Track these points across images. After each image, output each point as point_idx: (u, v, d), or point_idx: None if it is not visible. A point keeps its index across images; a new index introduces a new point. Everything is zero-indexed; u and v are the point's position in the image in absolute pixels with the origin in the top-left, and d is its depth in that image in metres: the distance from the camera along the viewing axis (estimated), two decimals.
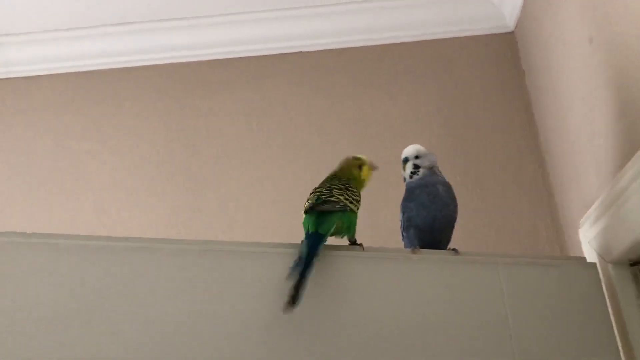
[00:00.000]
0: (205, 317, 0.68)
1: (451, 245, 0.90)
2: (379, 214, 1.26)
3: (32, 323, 0.62)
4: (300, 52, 1.42)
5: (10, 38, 1.40)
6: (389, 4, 1.38)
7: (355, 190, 0.84)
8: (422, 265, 0.79)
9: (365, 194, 1.24)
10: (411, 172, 0.91)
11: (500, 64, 1.38)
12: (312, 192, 0.82)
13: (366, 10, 1.39)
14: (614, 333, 0.85)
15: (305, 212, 0.78)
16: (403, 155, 0.93)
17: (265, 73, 1.40)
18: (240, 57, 1.42)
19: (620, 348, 0.86)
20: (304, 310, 0.69)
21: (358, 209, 0.83)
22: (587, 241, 0.98)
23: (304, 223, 0.78)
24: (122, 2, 1.33)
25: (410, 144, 1.29)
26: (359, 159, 0.89)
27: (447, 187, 0.91)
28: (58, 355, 0.62)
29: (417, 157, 0.92)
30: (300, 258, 0.71)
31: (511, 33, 1.39)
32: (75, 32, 1.40)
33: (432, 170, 0.92)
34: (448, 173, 1.25)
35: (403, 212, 0.91)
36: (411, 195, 0.90)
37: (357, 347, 0.72)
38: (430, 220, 0.87)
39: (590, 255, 0.97)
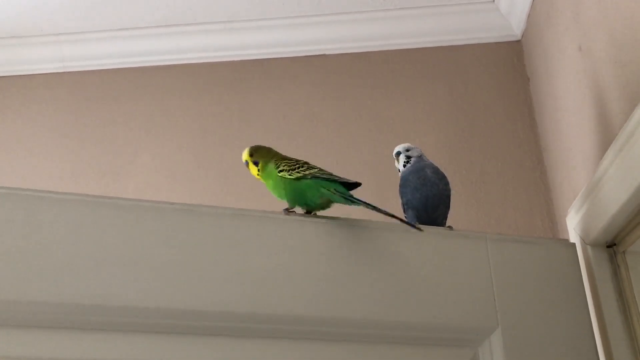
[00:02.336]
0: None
1: (449, 224, 1.02)
2: (390, 203, 1.39)
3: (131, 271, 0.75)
4: (324, 54, 1.56)
5: (66, 37, 1.56)
6: (405, 13, 1.52)
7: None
8: (418, 237, 0.91)
9: (377, 186, 1.39)
10: (404, 162, 1.05)
11: (507, 70, 1.50)
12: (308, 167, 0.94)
13: (384, 18, 1.52)
14: (588, 308, 0.94)
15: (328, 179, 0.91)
16: (395, 150, 1.07)
17: (291, 74, 1.54)
18: (269, 59, 1.56)
19: (594, 321, 0.97)
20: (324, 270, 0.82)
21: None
22: (572, 227, 1.10)
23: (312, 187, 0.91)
24: (165, 7, 1.49)
25: (422, 142, 1.44)
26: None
27: (435, 169, 1.03)
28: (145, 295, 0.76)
29: (407, 150, 1.06)
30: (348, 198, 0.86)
31: (518, 42, 1.51)
32: (124, 32, 1.55)
33: (420, 157, 1.06)
34: (455, 168, 1.39)
35: (401, 197, 1.04)
36: (406, 182, 1.03)
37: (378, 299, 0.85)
38: (424, 201, 0.99)
39: (574, 240, 1.08)
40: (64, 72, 1.58)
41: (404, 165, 1.05)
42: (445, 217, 1.01)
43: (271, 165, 0.98)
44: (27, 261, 0.70)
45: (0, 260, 0.69)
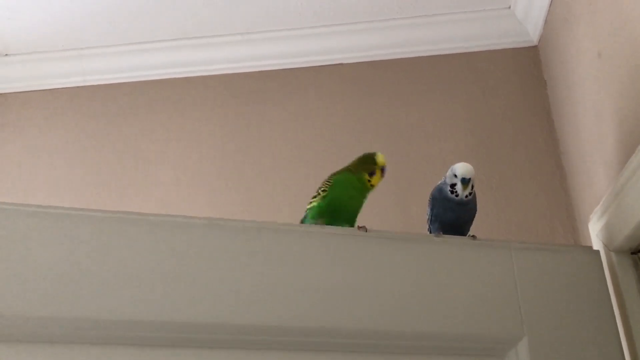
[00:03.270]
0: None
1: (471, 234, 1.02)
2: (410, 211, 1.40)
3: (128, 283, 0.77)
4: (341, 64, 1.57)
5: (87, 51, 1.59)
6: (421, 21, 1.52)
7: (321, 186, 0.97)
8: (443, 247, 0.92)
9: (396, 194, 1.39)
10: (469, 193, 0.97)
11: (524, 76, 1.50)
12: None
13: (400, 27, 1.53)
14: (614, 315, 0.94)
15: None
16: (467, 176, 0.96)
17: (309, 83, 1.55)
18: (286, 69, 1.57)
19: (620, 328, 0.96)
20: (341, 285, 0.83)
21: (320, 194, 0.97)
22: (595, 234, 1.10)
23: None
24: (184, 19, 1.51)
25: (441, 149, 1.44)
26: (374, 162, 0.98)
27: (475, 196, 1.00)
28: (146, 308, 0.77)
29: (471, 178, 0.97)
30: None
31: (535, 47, 1.51)
32: (143, 45, 1.57)
33: (474, 191, 0.99)
34: (474, 174, 1.39)
35: (431, 208, 1.02)
36: (447, 202, 0.98)
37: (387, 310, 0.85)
38: (454, 219, 0.99)
39: (597, 246, 1.08)
40: (85, 86, 1.61)
41: (467, 196, 0.97)
42: (469, 229, 1.02)
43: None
44: (69, 278, 0.72)
45: (44, 277, 0.71)
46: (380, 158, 0.98)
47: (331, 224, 0.93)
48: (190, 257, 0.79)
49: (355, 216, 0.98)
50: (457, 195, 0.96)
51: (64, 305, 0.71)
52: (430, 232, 1.03)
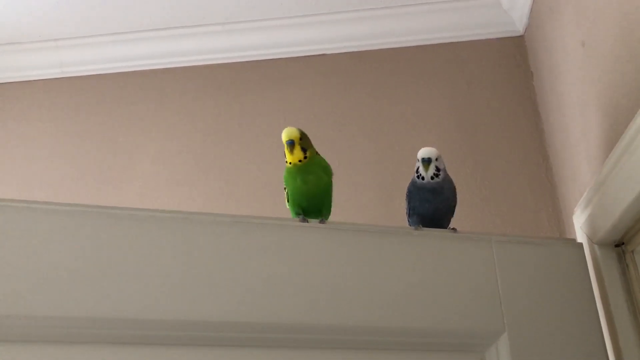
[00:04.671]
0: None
1: (454, 225, 1.00)
2: (393, 203, 1.37)
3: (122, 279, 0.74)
4: (323, 54, 1.54)
5: (64, 42, 1.55)
6: (405, 10, 1.49)
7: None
8: (421, 240, 0.90)
9: (379, 185, 1.37)
10: (434, 174, 0.96)
11: (510, 66, 1.48)
12: None
13: (384, 16, 1.50)
14: (597, 309, 0.92)
15: None
16: (425, 156, 0.96)
17: (291, 74, 1.53)
18: (268, 60, 1.55)
19: (603, 322, 0.95)
20: (318, 276, 0.81)
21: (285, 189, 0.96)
22: (579, 226, 1.08)
23: None
24: (162, 9, 1.48)
25: (425, 141, 1.42)
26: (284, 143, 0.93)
27: (450, 183, 0.99)
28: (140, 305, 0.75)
29: (436, 159, 0.97)
30: None
31: (521, 37, 1.49)
32: (121, 36, 1.54)
33: (446, 172, 0.99)
34: (459, 166, 1.37)
35: (408, 201, 1.00)
36: (418, 190, 0.98)
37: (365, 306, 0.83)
38: (432, 211, 0.97)
39: (581, 239, 1.06)
40: (62, 78, 1.57)
41: (432, 177, 0.96)
42: (449, 222, 1.00)
43: (320, 157, 0.95)
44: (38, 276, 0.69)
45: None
46: (283, 134, 0.93)
47: (310, 212, 0.93)
48: (196, 255, 0.77)
49: (322, 200, 0.95)
50: (423, 179, 0.96)
51: (61, 305, 0.69)
52: (409, 224, 1.01)
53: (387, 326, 0.82)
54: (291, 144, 0.91)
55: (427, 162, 0.96)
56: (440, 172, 0.96)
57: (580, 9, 1.09)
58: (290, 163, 0.92)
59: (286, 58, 1.54)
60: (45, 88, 1.57)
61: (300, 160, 0.92)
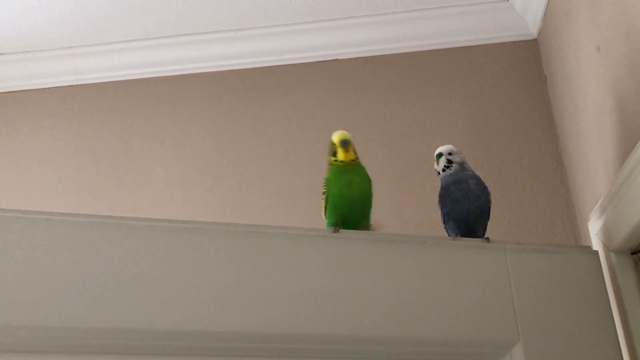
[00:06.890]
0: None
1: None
2: (406, 207, 1.37)
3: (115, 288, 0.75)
4: (336, 59, 1.54)
5: (78, 49, 1.56)
6: (417, 15, 1.48)
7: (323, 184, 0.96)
8: (434, 249, 0.89)
9: (393, 191, 1.36)
10: (444, 166, 1.00)
11: (524, 70, 1.46)
12: None
13: (396, 21, 1.49)
14: (613, 317, 0.91)
15: None
16: (437, 151, 1.02)
17: (304, 80, 1.52)
18: (280, 65, 1.54)
19: (620, 331, 0.94)
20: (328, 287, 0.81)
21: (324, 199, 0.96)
22: (595, 233, 1.07)
23: None
24: (175, 17, 1.48)
25: (439, 145, 1.41)
26: (332, 143, 0.96)
27: (477, 179, 1.00)
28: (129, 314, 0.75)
29: (450, 153, 1.01)
30: None
31: (534, 40, 1.47)
32: (135, 43, 1.54)
33: (462, 165, 1.01)
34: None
35: (441, 207, 1.01)
36: (446, 192, 0.99)
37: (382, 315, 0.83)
38: (465, 214, 0.97)
39: (597, 246, 1.05)
40: (77, 85, 1.58)
41: (443, 170, 1.00)
42: (485, 228, 0.99)
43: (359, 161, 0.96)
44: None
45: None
46: (334, 136, 0.96)
47: (348, 222, 0.92)
48: (175, 262, 0.77)
49: (364, 207, 0.96)
50: (439, 173, 1.01)
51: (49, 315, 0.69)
52: (447, 232, 1.02)
53: (400, 336, 0.82)
54: (346, 143, 0.95)
55: (437, 157, 1.02)
56: (453, 165, 1.00)
57: (595, 14, 1.07)
58: (341, 162, 0.94)
59: (299, 64, 1.53)
60: (60, 96, 1.58)
61: (352, 160, 0.95)
